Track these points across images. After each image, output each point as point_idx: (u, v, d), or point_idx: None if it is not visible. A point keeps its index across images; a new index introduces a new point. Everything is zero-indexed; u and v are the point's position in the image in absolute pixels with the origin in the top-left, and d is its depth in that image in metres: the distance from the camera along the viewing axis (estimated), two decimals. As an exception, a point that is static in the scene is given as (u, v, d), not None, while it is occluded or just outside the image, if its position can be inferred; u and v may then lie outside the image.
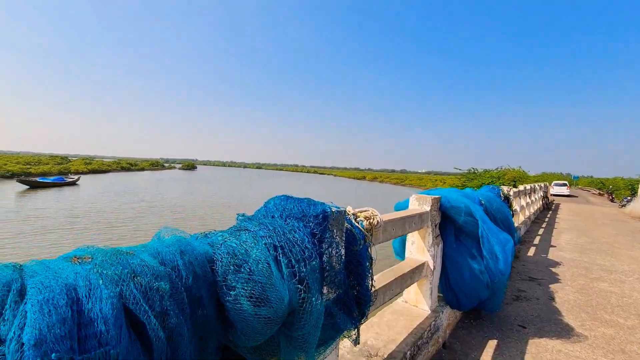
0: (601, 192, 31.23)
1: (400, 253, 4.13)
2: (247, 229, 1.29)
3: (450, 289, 3.41)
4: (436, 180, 74.30)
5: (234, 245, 1.15)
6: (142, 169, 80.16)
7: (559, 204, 20.24)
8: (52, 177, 34.20)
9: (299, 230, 1.35)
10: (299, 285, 1.23)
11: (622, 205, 19.58)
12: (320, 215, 1.47)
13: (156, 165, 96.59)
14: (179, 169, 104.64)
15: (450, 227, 3.41)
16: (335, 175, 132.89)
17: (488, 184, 29.83)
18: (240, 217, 1.54)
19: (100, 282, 0.81)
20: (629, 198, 19.99)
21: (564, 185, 26.87)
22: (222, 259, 1.11)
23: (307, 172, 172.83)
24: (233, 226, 1.45)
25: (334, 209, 1.59)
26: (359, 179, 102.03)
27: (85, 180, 41.14)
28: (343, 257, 1.62)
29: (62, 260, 0.93)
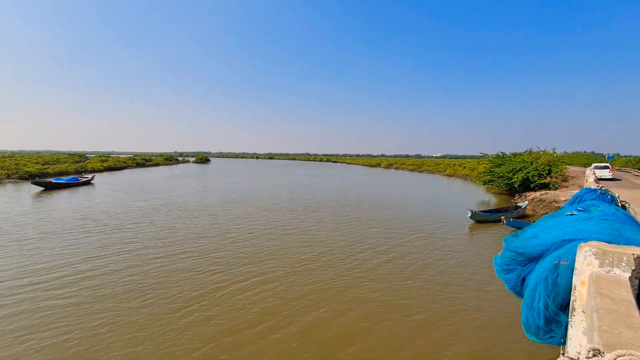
0: (645, 174, 28.35)
1: (512, 282, 2.60)
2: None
3: None
4: (454, 164, 71.07)
5: None
6: (157, 164, 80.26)
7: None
8: (66, 178, 33.83)
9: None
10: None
11: (682, 190, 17.19)
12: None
13: (170, 159, 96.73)
14: (193, 162, 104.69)
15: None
16: (348, 163, 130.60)
17: (519, 169, 27.53)
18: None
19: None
20: (689, 181, 17.52)
21: (606, 167, 24.30)
22: None
23: (320, 160, 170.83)
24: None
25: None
26: (373, 166, 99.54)
27: (101, 178, 40.86)
28: None
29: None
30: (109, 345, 5.89)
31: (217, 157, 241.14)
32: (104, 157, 74.94)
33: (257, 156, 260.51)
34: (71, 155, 71.40)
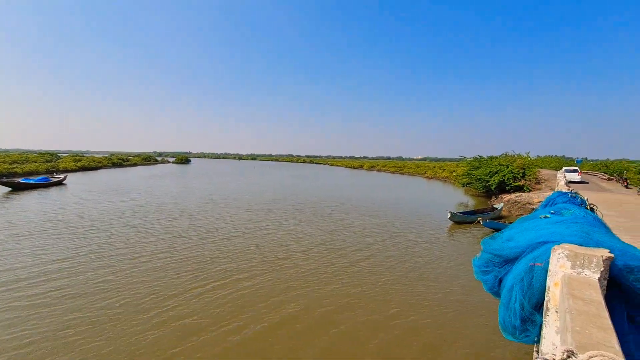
0: (610, 177, 29.98)
1: (490, 283, 2.66)
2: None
3: None
4: (434, 167, 72.64)
5: None
6: (135, 164, 77.74)
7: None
8: (36, 178, 32.19)
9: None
10: None
11: (643, 192, 18.34)
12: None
13: (149, 159, 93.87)
14: (173, 162, 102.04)
15: (619, 301, 1.86)
16: (331, 165, 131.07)
17: (496, 172, 28.44)
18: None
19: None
20: (650, 184, 18.68)
21: (575, 171, 25.52)
22: None
23: (303, 162, 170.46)
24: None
25: None
26: (355, 168, 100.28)
27: (74, 178, 39.14)
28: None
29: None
30: (76, 347, 5.65)
31: (198, 157, 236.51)
32: (77, 156, 71.83)
33: (239, 157, 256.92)
34: (42, 154, 68.03)
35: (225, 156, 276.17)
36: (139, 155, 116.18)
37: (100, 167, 60.45)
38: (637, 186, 22.04)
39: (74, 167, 51.46)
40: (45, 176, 34.83)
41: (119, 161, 71.98)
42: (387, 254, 11.64)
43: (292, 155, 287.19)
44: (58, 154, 77.12)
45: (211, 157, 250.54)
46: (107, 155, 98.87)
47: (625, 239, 7.49)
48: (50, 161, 55.22)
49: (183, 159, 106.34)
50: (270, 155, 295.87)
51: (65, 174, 38.34)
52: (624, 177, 25.46)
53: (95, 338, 5.96)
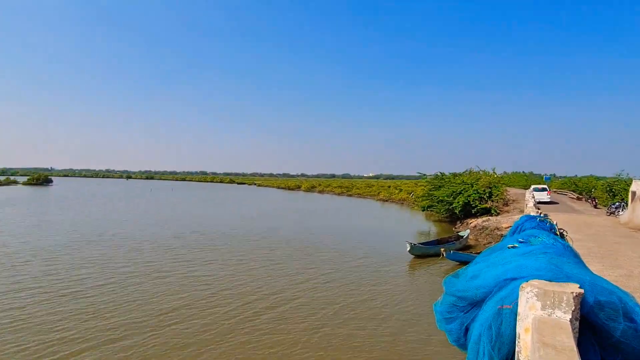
0: (579, 196, 34.86)
1: (454, 334, 2.78)
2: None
3: None
4: (389, 186, 76.51)
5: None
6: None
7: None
8: None
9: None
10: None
11: (611, 213, 21.52)
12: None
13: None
14: (23, 184, 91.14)
15: (590, 341, 2.10)
16: (258, 185, 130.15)
17: (460, 192, 30.95)
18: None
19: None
20: (617, 204, 22.06)
21: (544, 190, 29.16)
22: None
23: (221, 181, 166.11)
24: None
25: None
26: (291, 188, 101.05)
27: None
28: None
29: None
30: None
31: (65, 176, 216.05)
32: None
33: (128, 175, 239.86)
34: None
35: (107, 174, 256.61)
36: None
37: None
38: (605, 206, 25.87)
39: None
40: None
41: None
42: (327, 301, 11.70)
43: (205, 173, 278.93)
44: None
45: (85, 176, 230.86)
46: None
47: (596, 267, 8.67)
48: None
49: (40, 179, 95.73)
50: (174, 173, 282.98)
51: None
52: (593, 196, 29.80)
53: None
